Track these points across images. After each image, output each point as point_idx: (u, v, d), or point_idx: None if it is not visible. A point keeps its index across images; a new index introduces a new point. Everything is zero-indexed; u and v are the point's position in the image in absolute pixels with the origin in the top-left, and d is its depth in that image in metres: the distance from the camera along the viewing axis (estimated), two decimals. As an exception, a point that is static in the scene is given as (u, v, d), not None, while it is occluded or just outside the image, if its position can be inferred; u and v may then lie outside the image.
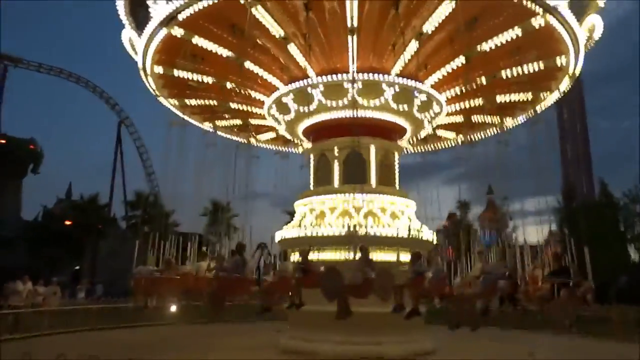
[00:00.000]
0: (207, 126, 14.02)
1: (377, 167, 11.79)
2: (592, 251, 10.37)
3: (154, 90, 12.29)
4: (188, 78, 11.51)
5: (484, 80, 11.28)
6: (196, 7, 9.26)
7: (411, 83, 11.03)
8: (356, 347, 9.59)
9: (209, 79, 11.64)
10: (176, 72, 11.45)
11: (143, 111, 15.73)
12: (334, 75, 10.78)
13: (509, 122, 13.44)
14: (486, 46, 10.17)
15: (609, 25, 11.72)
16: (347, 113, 10.94)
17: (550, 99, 12.45)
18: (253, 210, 16.00)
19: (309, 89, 11.11)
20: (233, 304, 19.74)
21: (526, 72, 10.89)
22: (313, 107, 11.26)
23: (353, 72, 10.48)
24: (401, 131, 12.32)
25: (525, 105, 12.80)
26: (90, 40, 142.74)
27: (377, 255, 10.28)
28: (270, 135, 15.10)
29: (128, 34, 11.47)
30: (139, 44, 10.82)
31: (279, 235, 11.65)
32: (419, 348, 10.20)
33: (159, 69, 11.43)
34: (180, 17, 9.54)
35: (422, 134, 13.46)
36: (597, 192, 38.43)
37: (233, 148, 14.62)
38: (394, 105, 11.15)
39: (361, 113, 11.04)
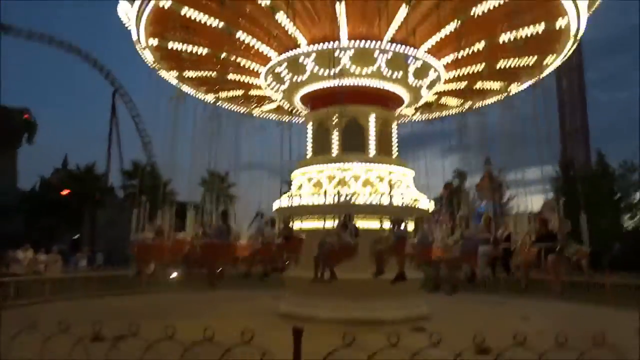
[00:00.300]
0: (209, 98, 13.91)
1: (376, 135, 11.73)
2: (587, 219, 10.50)
3: (151, 62, 12.11)
4: (182, 50, 11.36)
5: (482, 44, 11.05)
6: None
7: (404, 49, 10.82)
8: (353, 312, 9.79)
9: (203, 51, 11.46)
10: (170, 44, 11.26)
11: (140, 81, 15.43)
12: (324, 44, 10.61)
13: (514, 88, 13.26)
14: (479, 9, 9.88)
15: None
16: (341, 81, 10.84)
17: (554, 63, 12.24)
18: (252, 180, 16.07)
19: (300, 58, 10.96)
20: (232, 271, 20.10)
21: (525, 35, 10.64)
22: (306, 76, 11.16)
23: (342, 39, 10.38)
24: (398, 99, 12.18)
25: (529, 70, 12.56)
26: (85, 11, 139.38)
27: (374, 224, 10.38)
28: (272, 105, 14.99)
29: (123, 5, 11.23)
30: (131, 16, 10.61)
31: (276, 205, 11.69)
32: (415, 313, 10.43)
33: (153, 41, 11.25)
34: None
35: (423, 101, 13.32)
36: (594, 162, 38.53)
37: (234, 118, 14.58)
38: (387, 73, 11.01)
39: (356, 81, 10.97)
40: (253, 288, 18.63)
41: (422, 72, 11.35)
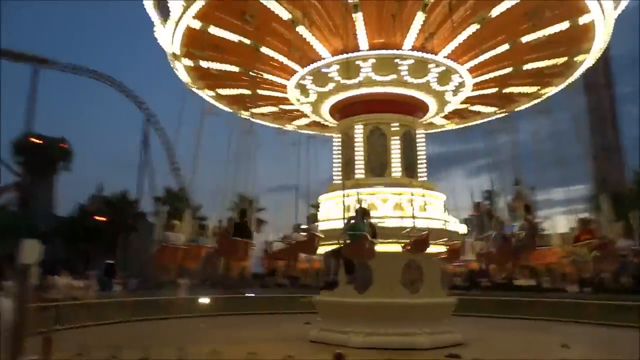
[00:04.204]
0: (244, 115, 14.06)
1: (402, 148, 11.72)
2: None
3: (187, 82, 12.49)
4: (214, 68, 11.71)
5: (505, 47, 10.81)
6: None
7: (424, 55, 10.84)
8: (386, 338, 9.70)
9: (233, 68, 11.80)
10: (203, 64, 11.61)
11: (172, 109, 15.76)
12: (345, 54, 10.66)
13: (547, 92, 12.99)
14: (496, 11, 9.69)
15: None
16: (365, 90, 11.13)
17: (585, 63, 11.82)
18: (279, 204, 16.23)
19: (323, 69, 11.17)
20: (263, 297, 20.25)
21: (548, 35, 10.39)
22: (330, 87, 11.38)
23: (362, 49, 10.58)
24: (423, 107, 12.18)
25: (561, 71, 12.23)
26: (117, 40, 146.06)
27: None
28: (305, 120, 15.10)
29: (159, 29, 11.61)
30: (166, 38, 11.05)
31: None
32: (449, 338, 10.22)
33: (188, 62, 11.62)
34: (193, 10, 9.76)
35: (451, 108, 13.08)
36: (630, 180, 37.21)
37: (266, 137, 14.78)
38: (410, 79, 11.05)
39: (380, 89, 11.21)
40: (281, 311, 18.79)
41: (445, 77, 11.31)
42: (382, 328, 9.82)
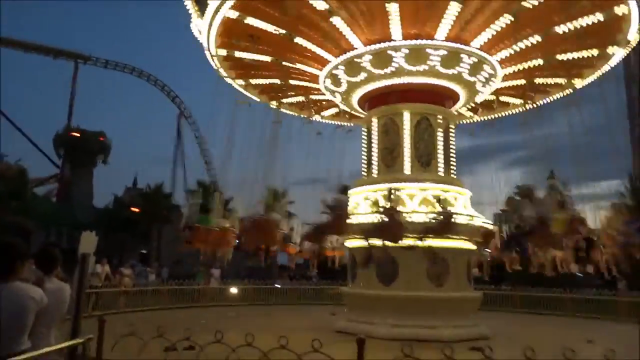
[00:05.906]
0: (272, 104, 14.60)
1: (444, 141, 11.73)
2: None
3: (220, 71, 12.89)
4: (248, 59, 12.09)
5: (538, 38, 10.73)
6: None
7: (457, 46, 10.87)
8: (411, 330, 9.85)
9: (266, 58, 12.12)
10: (237, 54, 11.98)
11: (203, 104, 16.38)
12: (379, 44, 10.86)
13: (578, 83, 12.89)
14: (531, 1, 9.63)
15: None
16: (397, 80, 11.22)
17: (618, 54, 11.73)
18: (308, 197, 16.57)
19: (356, 59, 11.28)
20: (290, 288, 20.77)
21: (583, 25, 10.31)
22: (362, 77, 11.50)
23: (397, 39, 10.67)
24: (454, 97, 12.15)
25: (593, 62, 12.14)
26: (151, 36, 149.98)
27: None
28: (333, 110, 15.40)
29: (196, 22, 12.03)
30: (203, 29, 11.38)
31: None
32: (475, 332, 10.32)
33: (222, 52, 11.99)
34: (231, 1, 10.05)
35: (481, 98, 13.10)
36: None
37: (295, 127, 15.20)
38: (442, 70, 11.09)
39: (409, 79, 11.28)
40: (310, 304, 19.20)
41: (476, 68, 11.28)
42: (407, 320, 10.02)
